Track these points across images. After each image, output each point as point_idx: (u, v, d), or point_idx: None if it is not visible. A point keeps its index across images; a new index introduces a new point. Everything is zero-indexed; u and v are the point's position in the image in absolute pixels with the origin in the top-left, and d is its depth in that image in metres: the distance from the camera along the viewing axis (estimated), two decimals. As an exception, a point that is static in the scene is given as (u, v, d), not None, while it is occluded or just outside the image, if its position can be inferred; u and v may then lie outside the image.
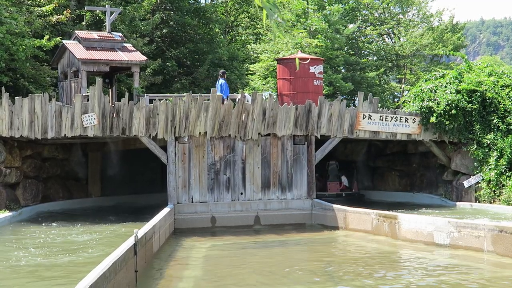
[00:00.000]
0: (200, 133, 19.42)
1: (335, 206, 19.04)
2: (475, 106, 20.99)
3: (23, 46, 22.04)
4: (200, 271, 12.90)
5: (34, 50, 22.87)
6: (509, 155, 20.07)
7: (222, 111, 19.38)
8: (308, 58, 21.86)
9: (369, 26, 38.98)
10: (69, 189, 23.20)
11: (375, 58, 38.68)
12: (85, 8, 25.51)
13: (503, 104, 20.96)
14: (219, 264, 13.77)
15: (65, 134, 18.69)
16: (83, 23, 27.03)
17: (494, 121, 20.91)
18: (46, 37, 23.33)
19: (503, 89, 21.35)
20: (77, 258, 12.82)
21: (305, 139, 20.36)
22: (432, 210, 19.98)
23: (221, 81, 20.83)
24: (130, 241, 10.75)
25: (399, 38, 39.76)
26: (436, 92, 21.62)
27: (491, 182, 20.35)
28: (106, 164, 23.97)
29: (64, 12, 25.43)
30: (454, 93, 21.15)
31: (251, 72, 32.96)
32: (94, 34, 22.18)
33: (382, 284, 11.22)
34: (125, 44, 22.45)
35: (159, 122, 19.14)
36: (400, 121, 21.22)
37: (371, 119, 20.88)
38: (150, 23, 28.88)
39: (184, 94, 20.57)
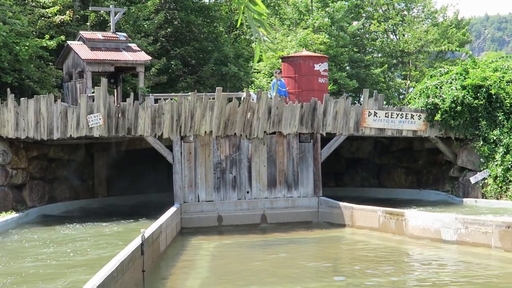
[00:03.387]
0: (205, 132, 19.41)
1: (342, 203, 19.01)
2: (481, 102, 20.90)
3: (26, 46, 22.06)
4: (207, 270, 12.90)
5: (38, 50, 22.88)
6: (515, 151, 20.02)
7: (228, 109, 19.36)
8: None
9: (373, 22, 38.93)
10: (76, 189, 23.21)
11: (379, 55, 38.62)
12: (90, 9, 25.58)
13: (509, 100, 20.88)
14: (227, 263, 13.75)
15: (70, 135, 18.72)
16: (88, 23, 27.08)
17: (500, 117, 20.83)
18: (47, 36, 23.34)
19: (509, 85, 21.26)
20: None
21: (311, 137, 20.33)
22: (438, 207, 19.94)
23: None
24: (137, 241, 10.76)
25: (403, 35, 39.71)
26: (441, 88, 21.55)
27: (498, 178, 20.27)
28: (112, 164, 23.98)
29: (67, 12, 25.46)
30: (459, 89, 21.07)
31: (256, 71, 32.95)
32: (99, 35, 22.21)
33: (391, 281, 11.19)
34: (129, 44, 22.48)
35: (165, 122, 19.13)
36: (405, 118, 21.16)
37: (376, 116, 20.84)
38: (154, 23, 28.89)
39: (189, 93, 20.58)
